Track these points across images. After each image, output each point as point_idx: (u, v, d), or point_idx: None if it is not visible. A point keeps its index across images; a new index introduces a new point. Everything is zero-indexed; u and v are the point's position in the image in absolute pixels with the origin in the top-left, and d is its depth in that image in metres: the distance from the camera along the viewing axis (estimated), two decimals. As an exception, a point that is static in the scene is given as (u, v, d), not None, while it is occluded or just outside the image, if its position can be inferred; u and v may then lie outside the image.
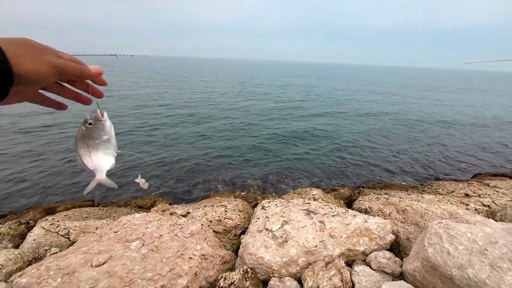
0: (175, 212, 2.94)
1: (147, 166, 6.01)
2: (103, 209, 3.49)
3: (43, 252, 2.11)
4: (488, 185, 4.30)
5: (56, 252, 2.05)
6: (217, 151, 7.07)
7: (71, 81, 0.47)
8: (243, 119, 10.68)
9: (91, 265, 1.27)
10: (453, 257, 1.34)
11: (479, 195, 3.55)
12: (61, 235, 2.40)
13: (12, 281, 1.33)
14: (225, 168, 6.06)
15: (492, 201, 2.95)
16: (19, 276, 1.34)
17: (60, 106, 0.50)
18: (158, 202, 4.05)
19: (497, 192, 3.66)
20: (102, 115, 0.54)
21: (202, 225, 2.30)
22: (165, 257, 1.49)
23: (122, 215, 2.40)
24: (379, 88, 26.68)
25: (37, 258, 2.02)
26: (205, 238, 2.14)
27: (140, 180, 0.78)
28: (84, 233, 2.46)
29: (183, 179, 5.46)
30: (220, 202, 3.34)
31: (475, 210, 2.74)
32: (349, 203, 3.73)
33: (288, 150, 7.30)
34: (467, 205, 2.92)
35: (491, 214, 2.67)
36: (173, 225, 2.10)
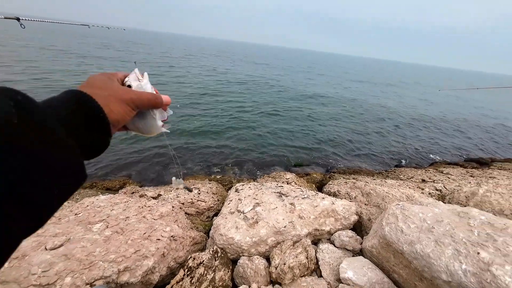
0: (145, 194, 2.85)
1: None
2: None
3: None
4: (442, 172, 4.77)
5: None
6: (192, 134, 6.88)
7: None
8: (226, 103, 10.42)
9: (45, 248, 1.18)
10: (405, 235, 1.48)
11: (434, 180, 3.92)
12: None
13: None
14: (201, 151, 5.94)
15: (444, 186, 3.29)
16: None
17: None
18: (127, 184, 3.88)
19: (449, 178, 4.08)
20: (142, 75, 0.50)
21: (173, 207, 2.26)
22: (131, 239, 1.44)
23: (86, 197, 2.26)
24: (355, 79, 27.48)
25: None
26: (176, 220, 2.11)
27: (176, 182, 0.69)
28: (42, 215, 2.29)
29: (155, 161, 5.26)
30: (193, 185, 3.30)
31: (429, 193, 3.03)
32: (320, 187, 3.91)
33: (266, 137, 7.34)
34: (422, 189, 3.21)
35: (441, 198, 2.97)
36: (142, 207, 2.03)
